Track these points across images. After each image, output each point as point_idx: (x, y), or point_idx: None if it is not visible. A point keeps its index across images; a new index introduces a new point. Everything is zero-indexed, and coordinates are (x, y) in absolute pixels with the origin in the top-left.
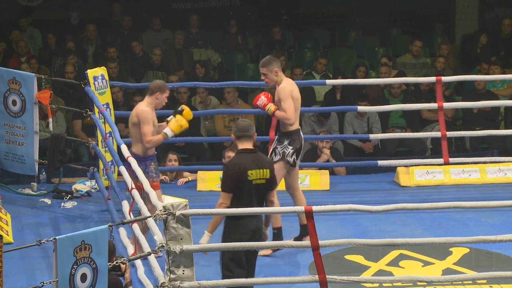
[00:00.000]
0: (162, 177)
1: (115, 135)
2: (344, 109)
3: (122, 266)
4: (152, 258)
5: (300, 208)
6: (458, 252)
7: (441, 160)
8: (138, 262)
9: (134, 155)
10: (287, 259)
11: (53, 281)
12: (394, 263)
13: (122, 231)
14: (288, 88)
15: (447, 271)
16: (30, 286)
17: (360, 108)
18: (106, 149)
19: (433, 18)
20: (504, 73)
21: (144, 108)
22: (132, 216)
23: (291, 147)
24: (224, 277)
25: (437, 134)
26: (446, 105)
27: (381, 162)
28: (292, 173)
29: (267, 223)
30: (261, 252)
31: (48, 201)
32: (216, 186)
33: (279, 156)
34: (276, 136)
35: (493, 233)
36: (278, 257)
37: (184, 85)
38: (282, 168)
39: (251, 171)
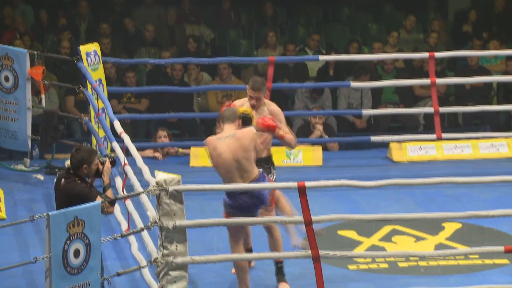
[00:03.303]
0: (155, 154)
1: (108, 111)
2: (337, 85)
3: (100, 166)
4: (145, 234)
5: (293, 184)
6: (450, 227)
7: (433, 136)
8: (132, 238)
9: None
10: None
11: (46, 257)
12: (387, 238)
13: (115, 206)
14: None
15: (439, 246)
16: (23, 261)
17: (353, 84)
18: (99, 125)
19: None
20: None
21: (249, 129)
22: (125, 192)
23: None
24: None
25: (429, 109)
26: (439, 81)
27: (373, 138)
28: None
29: None
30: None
31: (41, 177)
32: (210, 162)
33: None
34: None
35: (485, 208)
36: None
37: (177, 61)
38: None
39: None
